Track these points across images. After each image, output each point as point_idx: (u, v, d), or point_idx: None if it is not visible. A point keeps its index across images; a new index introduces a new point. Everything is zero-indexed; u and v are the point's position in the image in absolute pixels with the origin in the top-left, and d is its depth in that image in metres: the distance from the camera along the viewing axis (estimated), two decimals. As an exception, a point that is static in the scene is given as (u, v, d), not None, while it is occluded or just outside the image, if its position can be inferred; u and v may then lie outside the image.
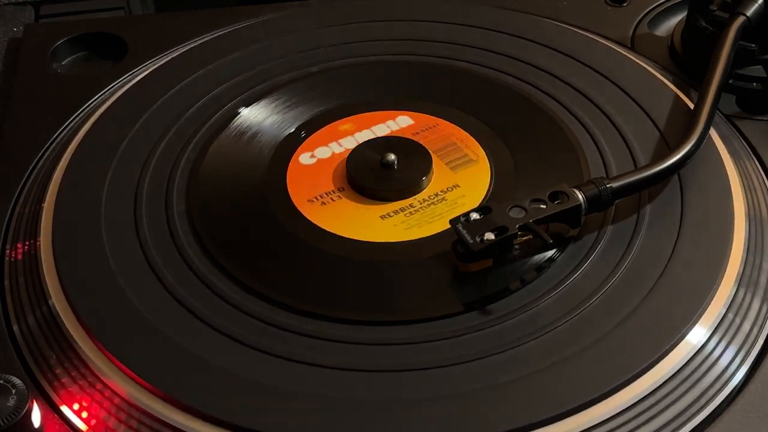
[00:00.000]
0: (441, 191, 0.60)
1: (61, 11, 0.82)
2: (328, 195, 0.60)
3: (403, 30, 0.73)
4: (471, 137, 0.64)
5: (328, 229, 0.58)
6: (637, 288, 0.53)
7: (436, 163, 0.62)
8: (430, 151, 0.62)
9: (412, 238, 0.57)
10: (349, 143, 0.64)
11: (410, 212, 0.59)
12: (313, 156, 0.63)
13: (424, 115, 0.66)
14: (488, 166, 0.62)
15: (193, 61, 0.71)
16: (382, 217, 0.59)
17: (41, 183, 0.63)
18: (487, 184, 0.61)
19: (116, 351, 0.51)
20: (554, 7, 0.77)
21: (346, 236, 0.57)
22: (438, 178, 0.61)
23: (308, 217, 0.59)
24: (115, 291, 0.54)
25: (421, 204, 0.60)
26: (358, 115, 0.66)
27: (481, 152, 0.62)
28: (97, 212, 0.59)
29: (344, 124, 0.65)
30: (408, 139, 0.64)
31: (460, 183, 0.61)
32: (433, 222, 0.58)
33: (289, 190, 0.61)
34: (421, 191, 0.60)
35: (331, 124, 0.65)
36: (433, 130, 0.65)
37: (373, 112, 0.67)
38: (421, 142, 0.63)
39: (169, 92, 0.68)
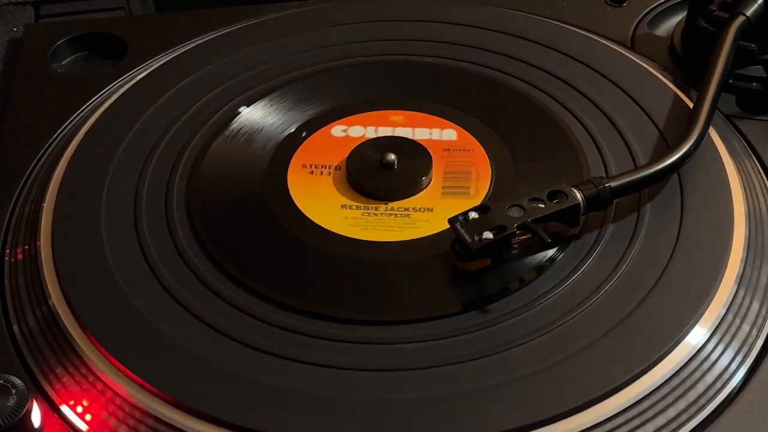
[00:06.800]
0: (412, 208, 0.60)
1: (61, 11, 0.82)
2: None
3: (402, 30, 0.73)
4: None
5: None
6: (637, 288, 0.53)
7: (435, 181, 0.61)
8: (430, 152, 0.62)
9: (355, 236, 0.57)
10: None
11: (371, 213, 0.59)
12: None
13: (466, 133, 0.64)
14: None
15: (193, 61, 0.71)
16: (343, 206, 0.59)
17: (41, 183, 0.63)
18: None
19: (116, 351, 0.51)
20: (554, 7, 0.77)
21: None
22: (423, 194, 0.61)
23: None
24: (114, 291, 0.54)
25: (384, 211, 0.59)
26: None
27: (481, 187, 0.61)
28: (97, 212, 0.59)
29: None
30: (408, 139, 0.64)
31: (435, 208, 0.59)
32: (380, 230, 0.58)
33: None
34: (420, 191, 0.60)
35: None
36: (466, 153, 0.63)
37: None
38: (442, 159, 0.62)
39: (169, 92, 0.68)
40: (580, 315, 0.52)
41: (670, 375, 0.50)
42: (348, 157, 0.62)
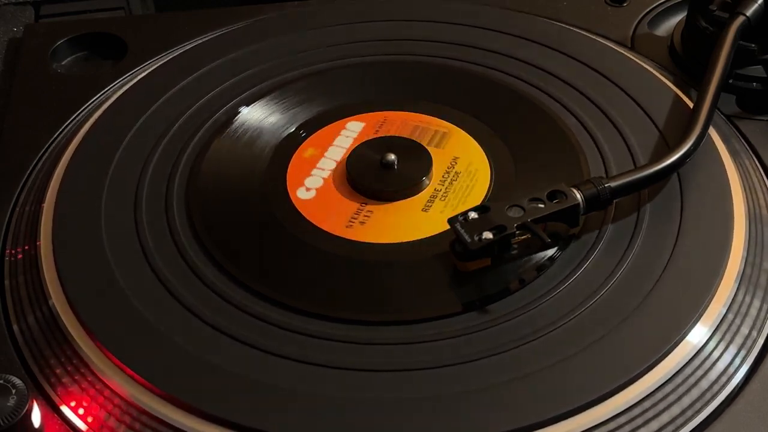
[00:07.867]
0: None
1: (61, 11, 0.82)
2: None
3: (402, 30, 0.73)
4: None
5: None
6: (637, 288, 0.53)
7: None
8: (429, 151, 0.62)
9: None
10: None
11: (443, 196, 0.59)
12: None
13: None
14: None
15: (193, 61, 0.71)
16: (424, 209, 0.59)
17: (41, 183, 0.63)
18: (486, 161, 0.62)
19: (116, 351, 0.51)
20: (554, 7, 0.77)
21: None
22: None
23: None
24: (114, 291, 0.54)
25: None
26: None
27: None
28: (97, 212, 0.59)
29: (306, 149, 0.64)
30: (408, 139, 0.64)
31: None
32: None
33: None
34: (420, 191, 0.60)
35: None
36: (385, 123, 0.65)
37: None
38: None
39: (169, 92, 0.68)
40: (580, 315, 0.52)
41: (671, 375, 0.50)
42: (348, 157, 0.62)
